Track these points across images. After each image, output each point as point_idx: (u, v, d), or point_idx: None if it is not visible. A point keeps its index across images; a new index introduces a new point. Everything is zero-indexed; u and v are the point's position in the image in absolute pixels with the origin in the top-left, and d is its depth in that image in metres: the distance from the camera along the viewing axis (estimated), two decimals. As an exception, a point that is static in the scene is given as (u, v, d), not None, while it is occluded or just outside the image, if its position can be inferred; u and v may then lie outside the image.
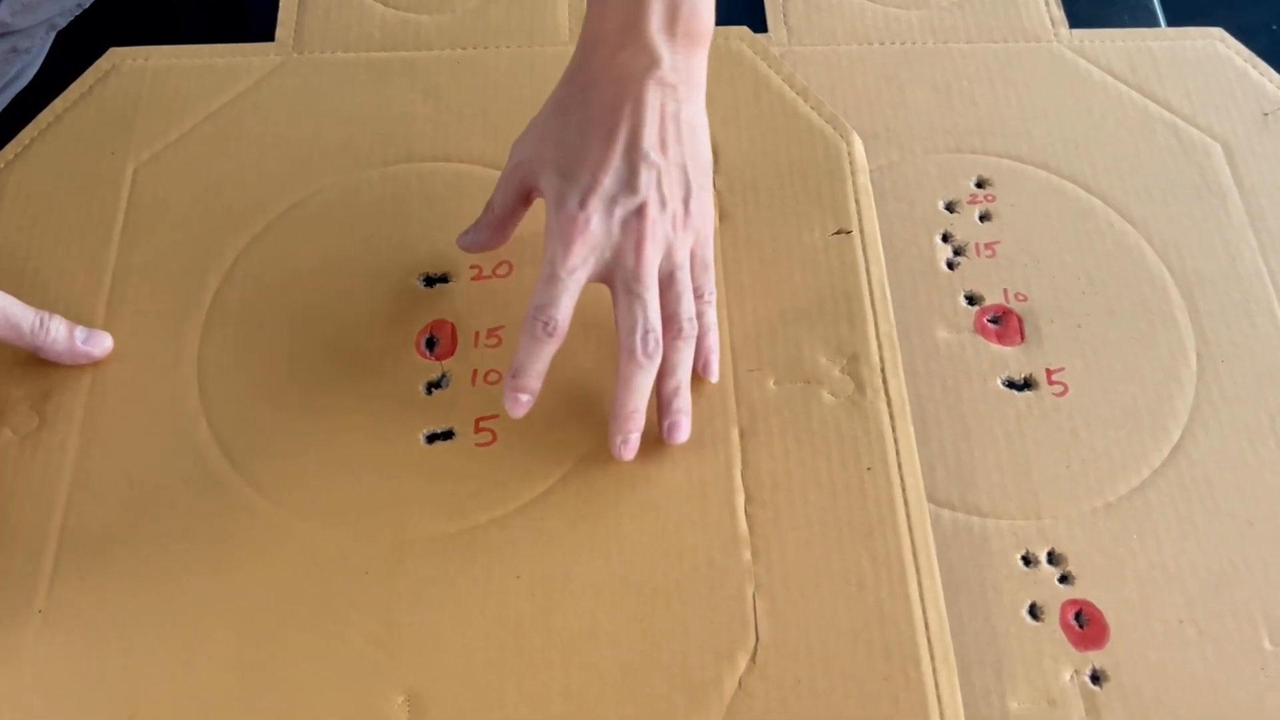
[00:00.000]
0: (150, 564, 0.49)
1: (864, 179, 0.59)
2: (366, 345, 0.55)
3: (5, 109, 0.70)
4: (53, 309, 0.54)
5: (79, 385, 0.53)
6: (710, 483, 0.51)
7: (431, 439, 0.53)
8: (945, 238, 0.60)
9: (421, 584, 0.49)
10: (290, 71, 0.63)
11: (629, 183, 0.49)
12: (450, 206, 0.58)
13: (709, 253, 0.53)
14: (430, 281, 0.57)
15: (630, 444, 0.51)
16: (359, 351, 0.54)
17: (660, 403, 0.51)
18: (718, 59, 0.62)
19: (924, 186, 0.62)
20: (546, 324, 0.48)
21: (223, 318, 0.55)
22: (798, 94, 0.62)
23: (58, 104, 0.63)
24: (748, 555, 0.49)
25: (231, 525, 0.50)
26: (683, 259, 0.51)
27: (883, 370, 0.54)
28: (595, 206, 0.49)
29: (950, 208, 0.61)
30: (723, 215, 0.58)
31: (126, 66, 0.64)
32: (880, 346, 0.54)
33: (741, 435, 0.52)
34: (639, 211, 0.49)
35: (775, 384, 0.53)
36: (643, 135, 0.50)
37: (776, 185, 0.59)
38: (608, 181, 0.49)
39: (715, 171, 0.59)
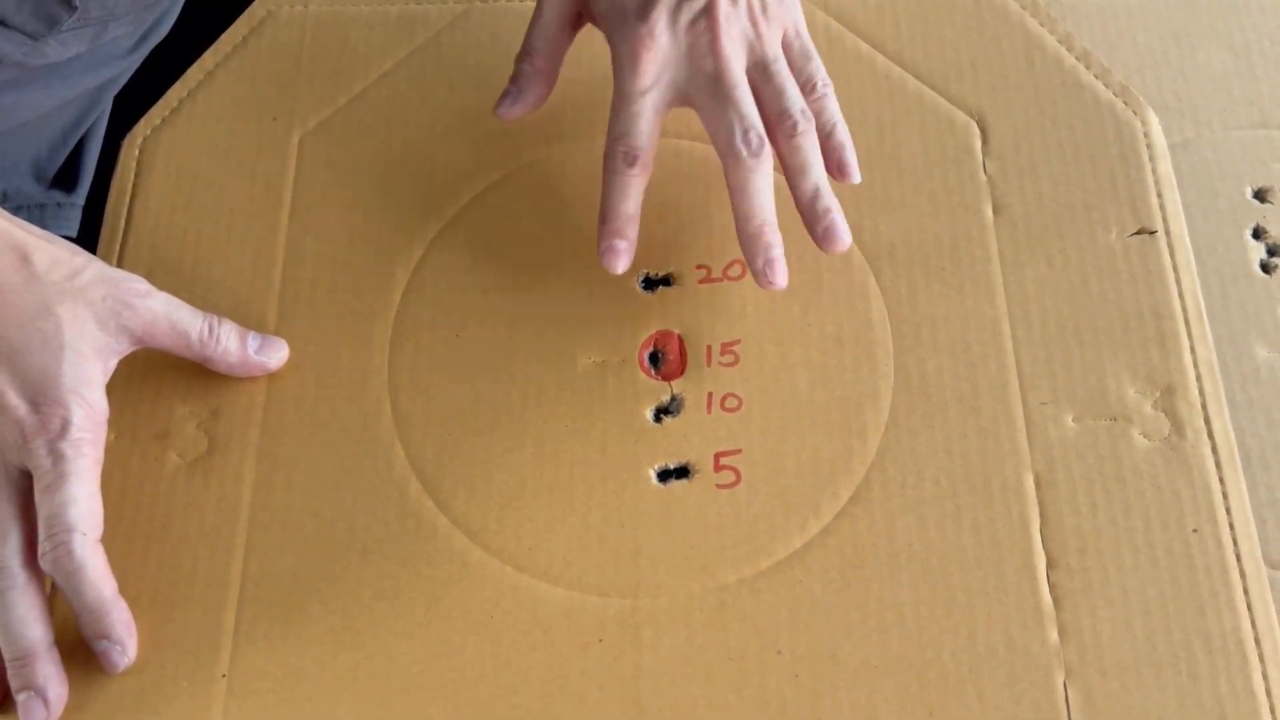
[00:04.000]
0: (347, 621, 0.42)
1: (1165, 166, 0.49)
2: (582, 360, 0.47)
3: (143, 64, 0.62)
4: (217, 309, 0.47)
5: (253, 402, 0.46)
6: (1004, 543, 0.43)
7: (664, 476, 0.45)
8: (1257, 234, 0.51)
9: (666, 658, 0.41)
10: (474, 22, 0.54)
11: None
12: (670, 192, 0.50)
13: (807, 40, 0.48)
14: (651, 284, 0.48)
15: (775, 265, 0.44)
16: (574, 367, 0.46)
17: (803, 211, 0.46)
18: (977, 14, 0.53)
19: (1226, 170, 0.52)
20: (627, 154, 0.45)
21: (414, 322, 0.48)
22: (1078, 59, 0.52)
23: (207, 59, 0.54)
24: (1054, 635, 0.41)
25: (440, 576, 0.43)
26: (774, 51, 0.46)
27: (1204, 406, 0.45)
28: (658, 16, 0.45)
29: (1260, 196, 0.51)
30: (997, 206, 0.49)
31: (284, 14, 0.55)
32: (1200, 377, 0.45)
33: (1038, 485, 0.44)
34: (707, 11, 0.45)
35: (1074, 421, 0.45)
36: None
37: (1060, 172, 0.49)
38: None
39: (985, 154, 0.50)
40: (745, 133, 0.44)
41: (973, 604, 0.42)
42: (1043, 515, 0.43)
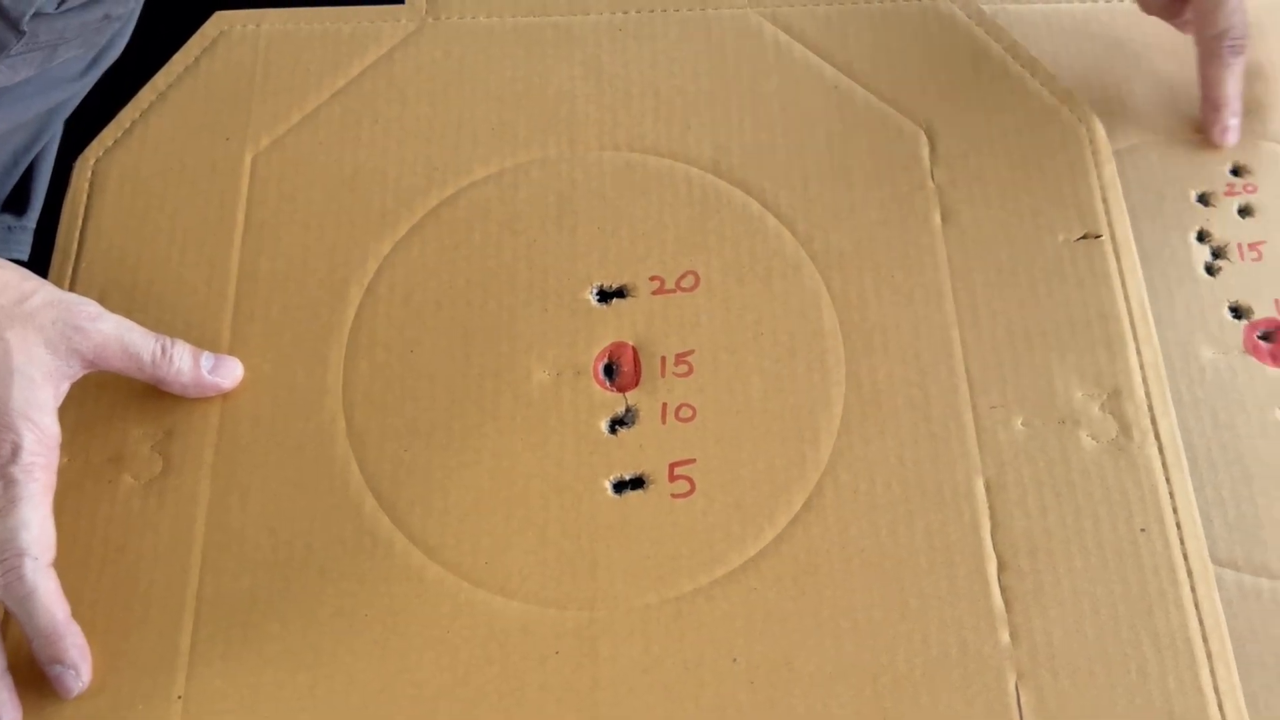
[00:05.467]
0: (303, 640, 0.42)
1: (1110, 171, 0.50)
2: (537, 374, 0.47)
3: (96, 85, 0.62)
4: (170, 330, 0.47)
5: (207, 422, 0.46)
6: (955, 547, 0.43)
7: (619, 488, 0.45)
8: (1201, 237, 0.51)
9: (622, 669, 0.41)
10: (427, 40, 0.54)
11: None
12: (624, 205, 0.50)
13: None
14: (605, 296, 0.49)
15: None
16: (529, 381, 0.47)
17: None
18: (924, 24, 0.54)
19: (1171, 175, 0.52)
20: (1234, 45, 0.51)
21: (369, 340, 0.48)
22: (1024, 67, 0.52)
23: (159, 79, 0.54)
24: (1006, 636, 0.42)
25: (397, 593, 0.43)
26: None
27: (1150, 408, 0.45)
28: None
29: (1204, 200, 0.52)
30: (945, 214, 0.49)
31: (237, 34, 0.55)
32: (1146, 379, 0.46)
33: (988, 488, 0.44)
34: None
35: (1023, 424, 0.45)
36: None
37: (1007, 179, 0.50)
38: None
39: (933, 162, 0.51)
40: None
41: (925, 608, 0.42)
42: (993, 518, 0.44)
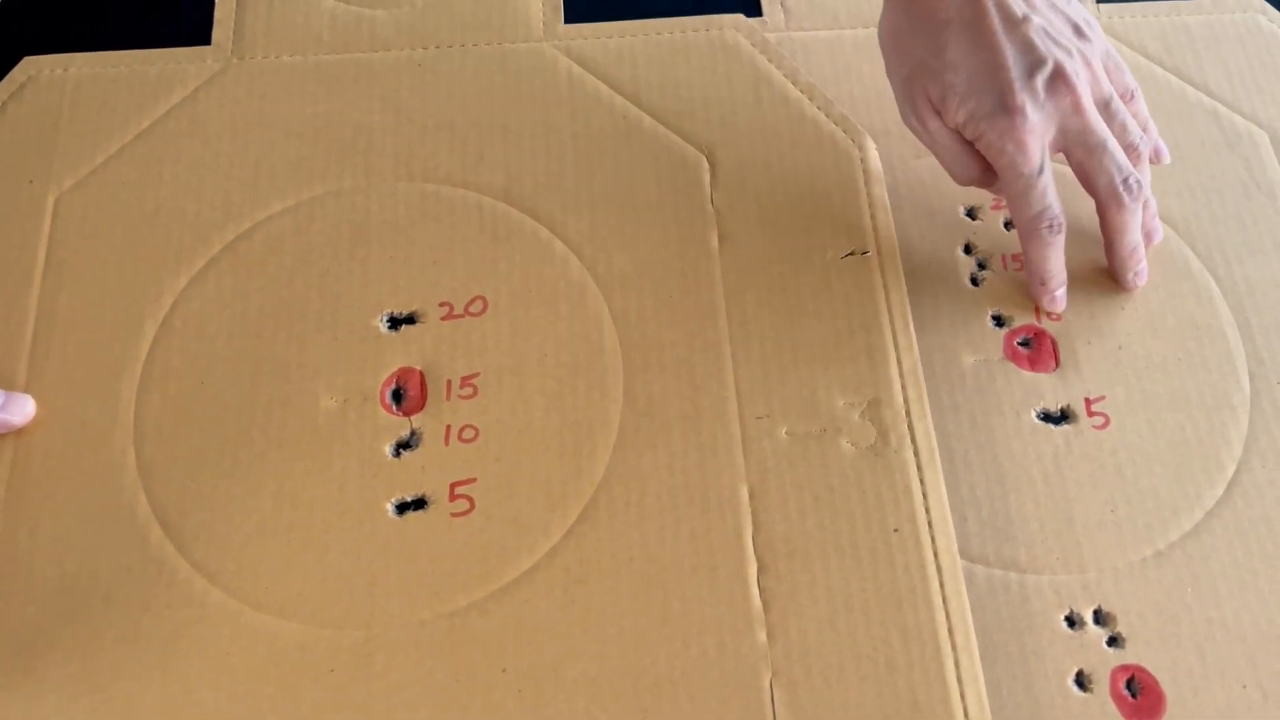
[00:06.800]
0: (87, 666, 0.43)
1: (880, 191, 0.53)
2: (324, 401, 0.48)
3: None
4: (-33, 369, 0.48)
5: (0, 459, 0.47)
6: (718, 551, 0.45)
7: (401, 509, 0.47)
8: (968, 249, 0.54)
9: (396, 683, 0.43)
10: (230, 80, 0.56)
11: (1029, 54, 0.48)
12: (417, 234, 0.52)
13: (1126, 71, 0.52)
14: (395, 323, 0.50)
15: (1143, 274, 0.53)
16: (316, 408, 0.48)
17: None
18: (711, 54, 0.56)
19: (942, 190, 0.55)
20: (1052, 225, 0.50)
21: (162, 373, 0.49)
22: (803, 93, 0.55)
23: (-32, 123, 0.55)
24: (763, 636, 0.44)
25: (179, 618, 0.44)
26: (1108, 88, 0.50)
27: (908, 414, 0.48)
28: (1022, 100, 0.48)
29: (972, 214, 0.55)
30: (723, 235, 0.52)
31: (45, 78, 0.56)
32: (904, 386, 0.48)
33: (751, 495, 0.46)
34: (1056, 74, 0.48)
35: (787, 433, 0.48)
36: (1008, 4, 0.48)
37: (782, 200, 0.53)
38: (1014, 68, 0.48)
39: (713, 186, 0.53)
40: (1124, 180, 0.49)
41: (688, 611, 0.44)
42: (755, 523, 0.46)
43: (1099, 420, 0.51)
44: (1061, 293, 0.52)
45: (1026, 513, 0.48)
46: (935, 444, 0.47)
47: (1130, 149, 0.50)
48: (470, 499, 0.47)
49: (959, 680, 0.43)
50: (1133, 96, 0.52)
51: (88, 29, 0.59)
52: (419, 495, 0.47)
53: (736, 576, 0.45)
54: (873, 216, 0.52)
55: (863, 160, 0.53)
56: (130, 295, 0.51)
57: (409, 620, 0.44)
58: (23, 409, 0.48)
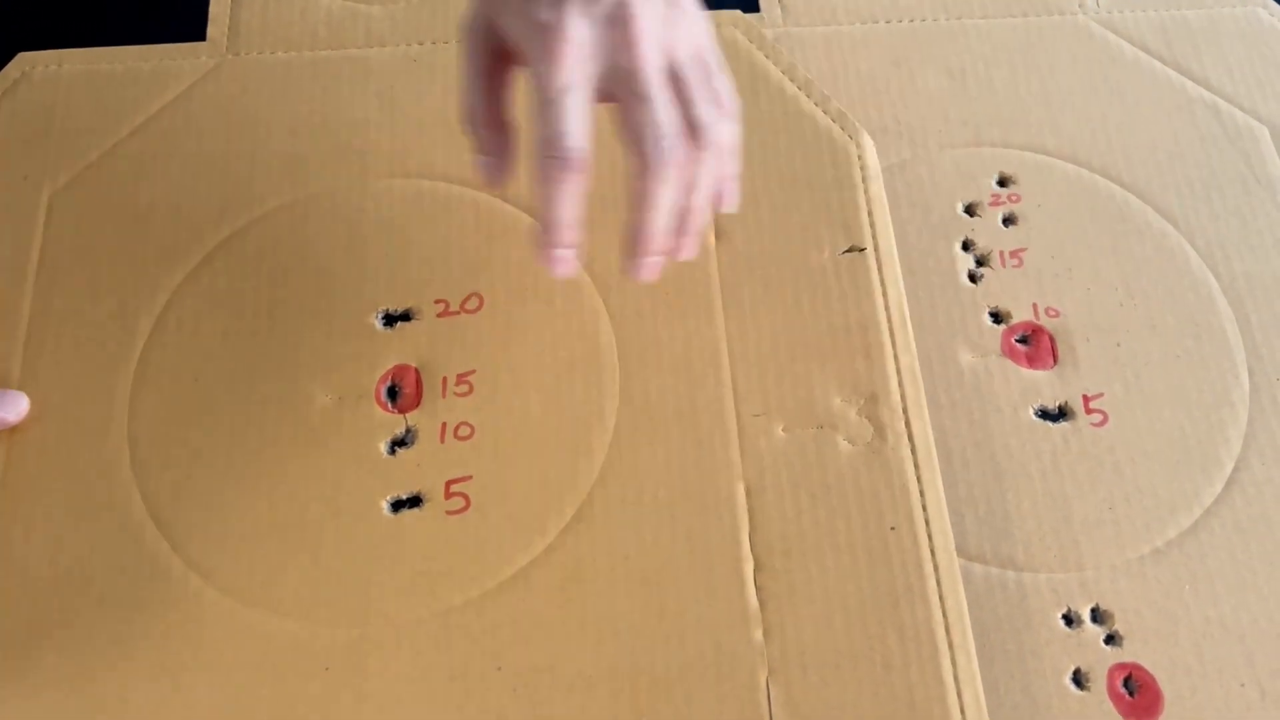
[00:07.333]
0: (81, 666, 0.43)
1: (877, 187, 0.52)
2: (319, 398, 0.48)
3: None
4: (-40, 366, 0.48)
5: (-7, 456, 0.47)
6: (715, 550, 0.45)
7: (397, 506, 0.46)
8: (966, 246, 0.54)
9: (391, 681, 0.43)
10: (225, 76, 0.56)
11: None
12: (413, 231, 0.52)
13: (717, 54, 0.43)
14: (391, 320, 0.50)
15: (656, 265, 0.43)
16: (311, 406, 0.48)
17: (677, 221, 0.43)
18: (707, 48, 0.56)
19: (940, 187, 0.55)
20: (560, 155, 0.40)
21: (156, 370, 0.49)
22: (800, 89, 0.55)
23: (-38, 120, 0.55)
24: (759, 635, 0.44)
25: (174, 618, 0.44)
26: (684, 55, 0.42)
27: (905, 411, 0.48)
28: (571, 9, 0.40)
29: (970, 211, 0.55)
30: (718, 233, 0.52)
31: (39, 74, 0.56)
32: (901, 383, 0.48)
33: (748, 493, 0.46)
34: (621, 4, 0.40)
35: (784, 431, 0.47)
36: None
37: (779, 198, 0.52)
38: None
39: (708, 182, 0.53)
40: (659, 139, 0.41)
41: (684, 610, 0.44)
42: (752, 521, 0.46)
43: (1097, 418, 0.50)
44: (567, 254, 0.43)
45: (1024, 510, 0.48)
46: (932, 441, 0.47)
47: (689, 128, 0.42)
48: (466, 497, 0.46)
49: (956, 678, 0.43)
50: (724, 108, 0.43)
51: (84, 26, 0.59)
52: (414, 493, 0.47)
53: (733, 574, 0.45)
54: (870, 213, 0.52)
55: (860, 156, 0.53)
56: (124, 292, 0.51)
57: (404, 618, 0.44)
58: (15, 406, 0.47)
